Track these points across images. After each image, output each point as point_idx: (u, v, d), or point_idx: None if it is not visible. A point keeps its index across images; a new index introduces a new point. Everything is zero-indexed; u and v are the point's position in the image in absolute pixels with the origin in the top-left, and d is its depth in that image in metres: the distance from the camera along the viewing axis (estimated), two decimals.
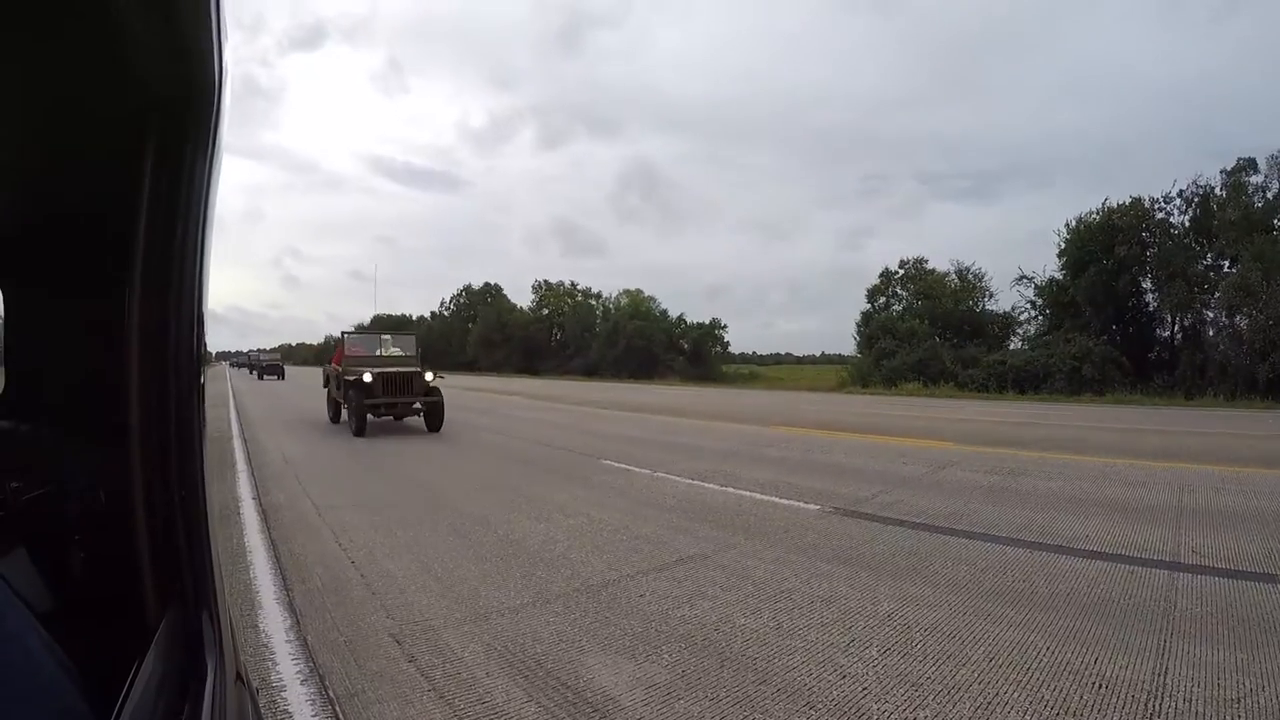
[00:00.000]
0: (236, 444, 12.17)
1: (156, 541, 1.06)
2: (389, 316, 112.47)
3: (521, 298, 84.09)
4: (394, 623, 3.95)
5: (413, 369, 14.64)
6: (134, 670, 0.92)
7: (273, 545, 5.53)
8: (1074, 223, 34.71)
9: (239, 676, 1.17)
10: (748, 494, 7.60)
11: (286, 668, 3.35)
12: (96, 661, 0.99)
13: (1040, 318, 36.57)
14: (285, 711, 2.93)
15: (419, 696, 3.08)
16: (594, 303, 74.58)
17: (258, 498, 7.45)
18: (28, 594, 1.11)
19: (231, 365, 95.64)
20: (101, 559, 1.16)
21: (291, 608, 4.17)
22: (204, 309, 1.01)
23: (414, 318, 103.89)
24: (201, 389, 1.05)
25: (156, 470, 1.03)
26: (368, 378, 13.57)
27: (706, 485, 8.16)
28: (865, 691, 3.13)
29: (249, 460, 10.26)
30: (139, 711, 0.86)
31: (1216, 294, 29.59)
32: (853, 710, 2.97)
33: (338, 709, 2.96)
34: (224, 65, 0.87)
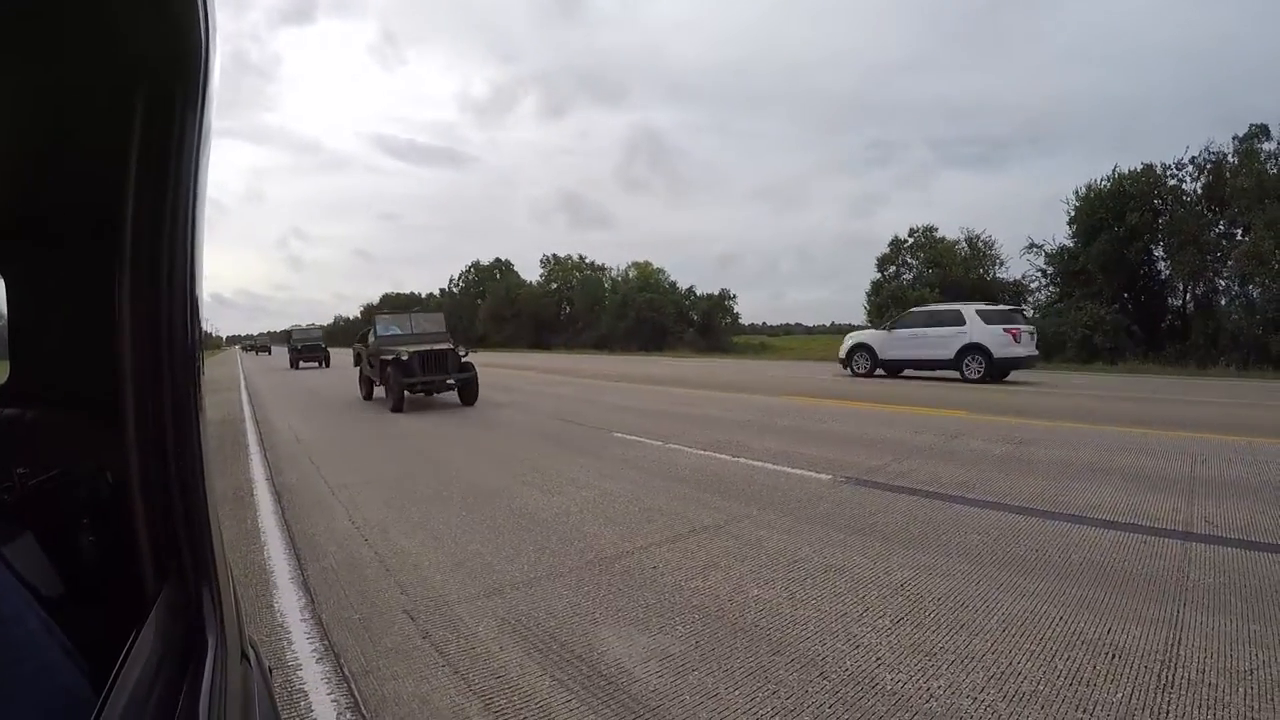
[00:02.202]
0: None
1: (154, 517, 1.05)
2: (397, 295, 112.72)
3: (530, 272, 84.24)
4: (408, 599, 3.97)
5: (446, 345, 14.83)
6: (130, 643, 0.92)
7: (286, 525, 5.56)
8: (1084, 190, 34.48)
9: (244, 655, 1.17)
10: (760, 464, 7.61)
11: (302, 646, 3.38)
12: (96, 639, 0.99)
13: (1051, 286, 36.38)
14: (301, 690, 2.95)
15: (434, 672, 3.10)
16: (602, 276, 74.60)
17: (270, 478, 7.49)
18: (34, 578, 1.11)
19: (245, 349, 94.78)
20: (108, 541, 1.16)
21: (306, 586, 4.20)
22: (198, 286, 1.00)
23: (423, 295, 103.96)
24: (199, 367, 1.04)
25: (152, 448, 1.02)
26: (405, 356, 13.91)
27: (718, 456, 8.17)
28: (879, 661, 3.14)
29: (260, 441, 10.31)
30: (138, 686, 0.85)
31: (1229, 262, 29.40)
32: (866, 679, 2.97)
33: (353, 686, 2.98)
34: (211, 28, 0.85)
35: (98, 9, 0.83)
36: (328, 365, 36.93)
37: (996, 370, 18.61)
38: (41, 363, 1.40)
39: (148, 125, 0.92)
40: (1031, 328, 19.87)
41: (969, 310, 19.53)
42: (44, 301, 1.35)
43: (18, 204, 1.21)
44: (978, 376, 18.65)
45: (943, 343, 19.56)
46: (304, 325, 43.57)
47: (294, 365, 37.63)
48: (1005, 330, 18.52)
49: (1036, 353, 19.86)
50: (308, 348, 38.61)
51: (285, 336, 46.30)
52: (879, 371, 21.43)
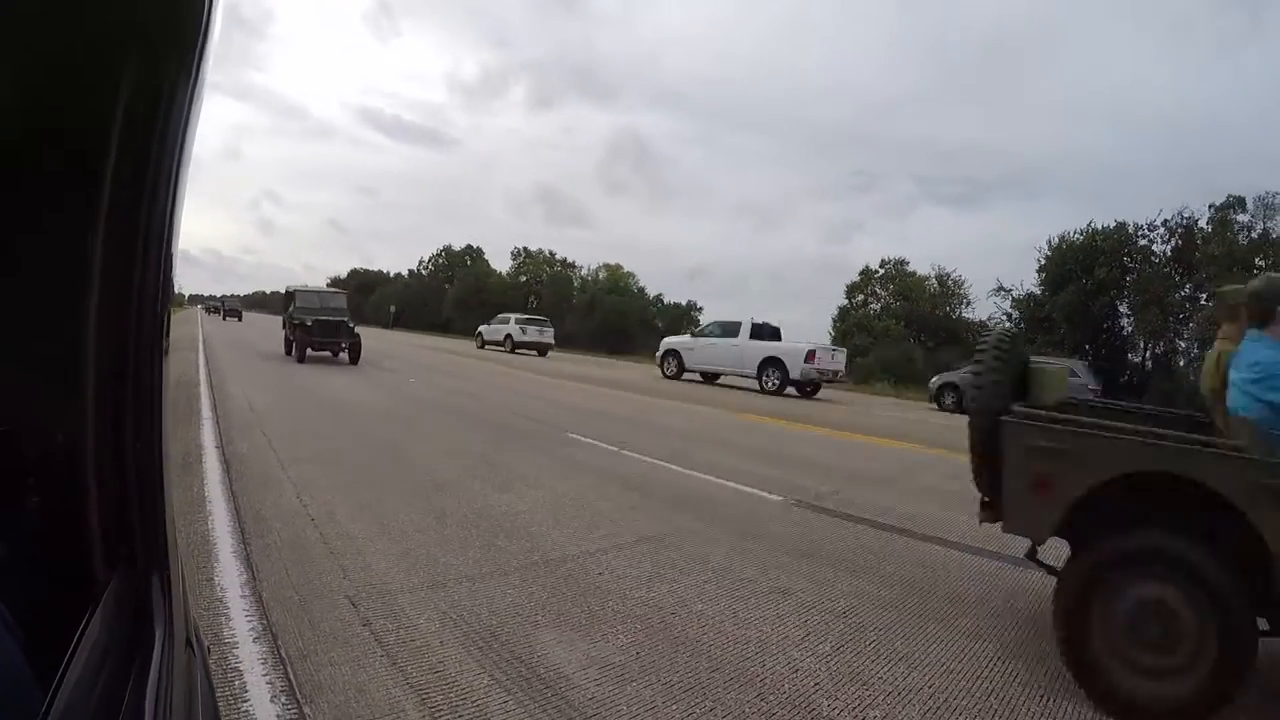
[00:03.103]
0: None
1: (107, 497, 1.02)
2: (366, 271, 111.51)
3: (500, 262, 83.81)
4: (350, 584, 3.93)
5: None
6: (79, 632, 0.89)
7: (233, 497, 5.48)
8: (1056, 240, 35.08)
9: (189, 641, 1.14)
10: (712, 479, 7.62)
11: (240, 624, 3.32)
12: (40, 619, 0.96)
13: (1015, 330, 36.89)
14: (236, 669, 2.90)
15: (372, 661, 3.07)
16: (572, 274, 74.56)
17: (221, 447, 7.37)
18: None
19: (209, 310, 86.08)
20: (55, 508, 1.12)
21: (249, 562, 4.14)
22: (174, 250, 0.97)
23: (391, 274, 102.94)
24: (165, 335, 1.02)
25: (109, 419, 0.98)
26: None
27: (671, 466, 8.17)
28: (817, 687, 3.15)
29: (214, 408, 10.15)
30: (84, 677, 0.83)
31: (1191, 324, 30.07)
32: (803, 704, 2.99)
33: (289, 669, 2.93)
34: None
35: None
36: (356, 360, 20.32)
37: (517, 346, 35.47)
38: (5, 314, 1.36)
39: (137, 85, 0.90)
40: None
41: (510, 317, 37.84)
42: (7, 252, 1.31)
43: None
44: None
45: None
46: (316, 287, 25.60)
47: (296, 355, 20.18)
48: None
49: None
50: (323, 324, 20.15)
51: (281, 301, 25.64)
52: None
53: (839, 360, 22.92)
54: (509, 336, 36.64)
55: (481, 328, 40.22)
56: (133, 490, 1.01)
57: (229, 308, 71.82)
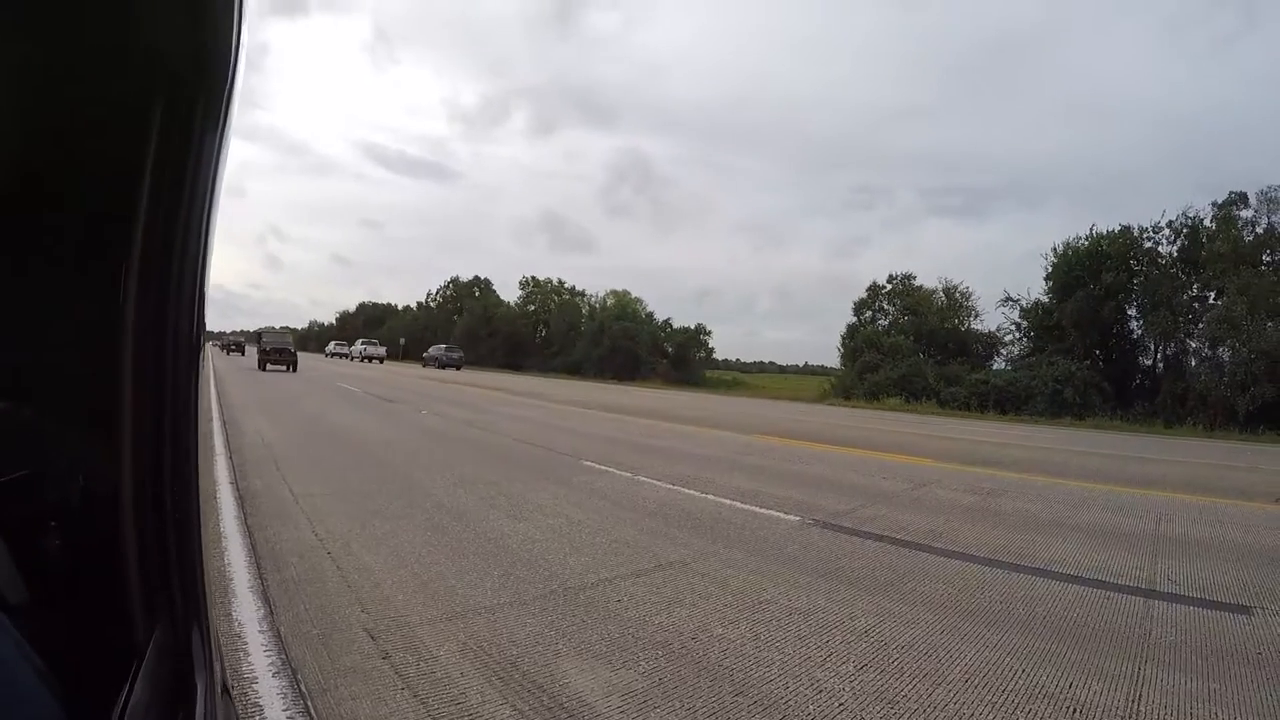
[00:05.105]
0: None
1: (145, 548, 1.01)
2: (374, 305, 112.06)
3: (508, 292, 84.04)
4: (369, 617, 3.91)
5: None
6: (127, 690, 0.88)
7: (249, 532, 5.47)
8: (1062, 247, 35.05)
9: (224, 689, 1.13)
10: (727, 502, 7.58)
11: (259, 660, 3.30)
12: (76, 672, 0.95)
13: (1024, 339, 36.85)
14: (256, 705, 2.89)
15: (392, 694, 3.05)
16: (580, 301, 74.71)
17: (235, 482, 7.37)
18: (2, 588, 1.06)
19: (228, 349, 77.89)
20: (82, 554, 1.11)
21: (265, 597, 4.13)
22: (205, 294, 0.98)
23: (399, 307, 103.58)
24: (198, 378, 1.02)
25: (148, 467, 0.97)
26: None
27: (686, 491, 8.13)
28: (841, 707, 3.12)
29: (227, 444, 10.15)
30: None
31: (1200, 325, 30.06)
32: None
33: (309, 704, 2.92)
34: (241, 35, 0.85)
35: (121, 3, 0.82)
36: None
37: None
38: (22, 353, 1.36)
39: (166, 126, 0.90)
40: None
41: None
42: (31, 290, 1.31)
43: (9, 188, 1.18)
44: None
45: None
46: None
47: None
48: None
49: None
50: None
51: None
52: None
53: (453, 354, 54.84)
54: (360, 353, 64.95)
55: (328, 346, 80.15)
56: (171, 539, 1.00)
57: (275, 345, 39.85)
